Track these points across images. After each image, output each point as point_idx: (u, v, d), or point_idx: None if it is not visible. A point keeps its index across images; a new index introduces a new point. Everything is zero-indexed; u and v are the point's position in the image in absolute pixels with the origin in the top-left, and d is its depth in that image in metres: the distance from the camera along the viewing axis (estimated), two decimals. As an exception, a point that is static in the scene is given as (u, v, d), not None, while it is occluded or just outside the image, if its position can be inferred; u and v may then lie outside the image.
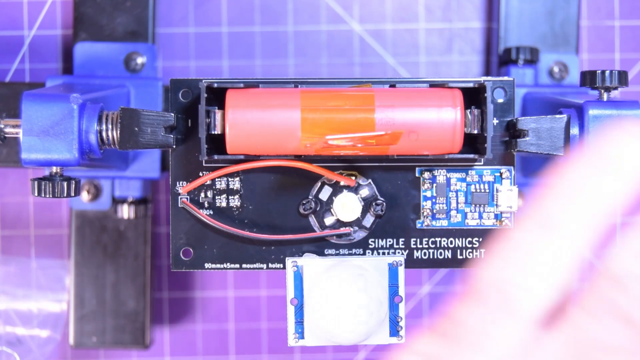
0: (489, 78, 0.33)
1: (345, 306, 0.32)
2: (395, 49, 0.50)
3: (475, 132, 0.32)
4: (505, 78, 0.33)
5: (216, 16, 0.50)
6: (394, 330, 0.33)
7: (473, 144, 0.33)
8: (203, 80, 0.31)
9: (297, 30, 0.50)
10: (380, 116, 0.31)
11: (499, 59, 0.48)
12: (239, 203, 0.34)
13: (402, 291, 0.33)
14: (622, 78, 0.35)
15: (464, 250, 0.35)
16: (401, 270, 0.33)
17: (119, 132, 0.31)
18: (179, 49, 0.50)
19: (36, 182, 0.34)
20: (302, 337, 0.33)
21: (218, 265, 0.34)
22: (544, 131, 0.32)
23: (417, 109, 0.31)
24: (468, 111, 0.32)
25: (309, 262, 0.32)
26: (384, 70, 0.50)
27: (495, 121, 0.33)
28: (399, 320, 0.33)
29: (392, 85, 0.33)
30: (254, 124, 0.31)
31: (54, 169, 0.34)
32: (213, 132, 0.32)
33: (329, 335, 0.32)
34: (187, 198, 0.34)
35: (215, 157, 0.32)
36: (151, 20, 0.47)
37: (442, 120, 0.31)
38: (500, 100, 0.33)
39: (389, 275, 0.33)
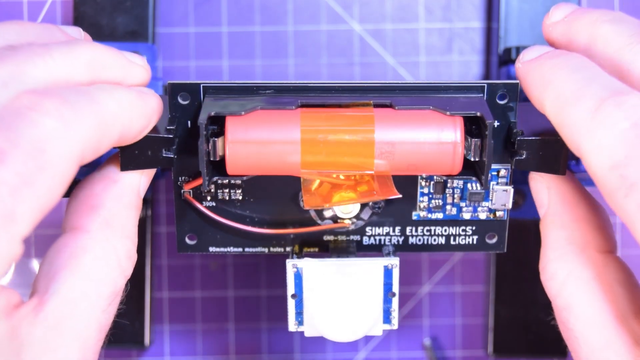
0: (494, 81, 0.32)
1: (342, 309, 0.33)
2: (395, 49, 0.50)
3: (474, 160, 0.31)
4: (510, 81, 0.32)
5: (216, 16, 0.50)
6: (387, 319, 0.34)
7: (472, 164, 0.33)
8: (199, 121, 0.30)
9: (297, 30, 0.50)
10: (379, 149, 0.31)
11: (499, 59, 0.48)
12: (240, 197, 0.34)
13: (395, 288, 0.33)
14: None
15: (457, 237, 0.35)
16: (395, 271, 0.33)
17: (120, 156, 0.31)
18: (179, 49, 0.50)
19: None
20: (302, 324, 0.34)
21: (222, 249, 0.35)
22: (542, 152, 0.31)
23: (416, 141, 0.31)
24: (469, 138, 0.31)
25: (308, 265, 0.33)
26: (384, 71, 0.50)
27: (496, 123, 0.33)
28: (392, 311, 0.34)
29: (392, 106, 0.32)
30: (255, 157, 0.31)
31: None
32: (213, 159, 0.31)
33: (327, 333, 0.33)
34: (189, 192, 0.34)
35: (215, 179, 0.32)
36: (151, 20, 0.47)
37: (442, 149, 0.31)
38: (503, 102, 0.33)
39: (384, 276, 0.33)
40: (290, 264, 0.33)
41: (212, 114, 0.30)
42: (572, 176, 0.32)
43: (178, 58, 0.50)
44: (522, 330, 0.49)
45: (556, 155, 0.31)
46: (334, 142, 0.31)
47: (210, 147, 0.31)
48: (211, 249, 0.35)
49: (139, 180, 0.31)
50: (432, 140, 0.31)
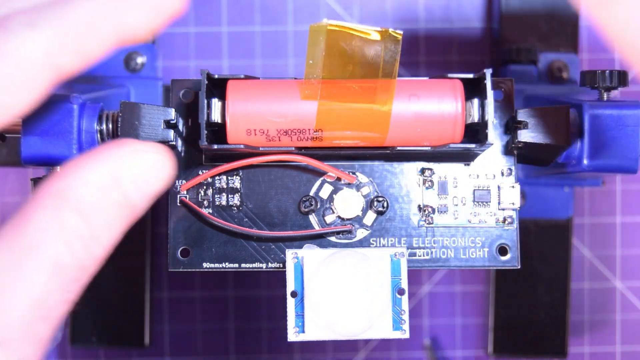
0: (490, 74, 0.33)
1: (347, 292, 0.31)
2: (395, 49, 0.50)
3: (477, 120, 0.31)
4: (505, 79, 0.33)
5: (216, 16, 0.50)
6: (397, 325, 0.32)
7: (475, 137, 0.33)
8: (201, 69, 0.31)
9: (297, 30, 0.50)
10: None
11: (499, 58, 0.48)
12: (238, 202, 0.34)
13: (404, 284, 0.32)
14: (622, 78, 0.35)
15: (467, 250, 0.34)
16: (403, 262, 0.32)
17: (119, 125, 0.31)
18: (179, 49, 0.50)
19: (36, 182, 0.34)
20: (303, 331, 0.32)
21: (217, 265, 0.34)
22: (545, 121, 0.32)
23: (418, 100, 0.31)
24: (469, 101, 0.32)
25: (310, 253, 0.32)
26: (384, 70, 0.50)
27: (495, 121, 0.33)
28: (402, 314, 0.32)
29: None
30: (255, 106, 0.31)
31: (54, 169, 0.34)
32: (212, 121, 0.31)
33: (330, 326, 0.31)
34: (186, 196, 0.34)
35: (215, 146, 0.32)
36: (151, 20, 0.47)
37: (442, 110, 0.31)
38: (500, 100, 0.33)
39: (391, 268, 0.32)
40: (291, 253, 0.32)
41: (216, 76, 0.31)
42: None
43: (178, 58, 0.50)
44: (522, 330, 0.49)
45: (559, 124, 0.32)
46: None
47: (212, 108, 0.31)
48: (205, 264, 0.34)
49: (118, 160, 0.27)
50: (434, 101, 0.31)
